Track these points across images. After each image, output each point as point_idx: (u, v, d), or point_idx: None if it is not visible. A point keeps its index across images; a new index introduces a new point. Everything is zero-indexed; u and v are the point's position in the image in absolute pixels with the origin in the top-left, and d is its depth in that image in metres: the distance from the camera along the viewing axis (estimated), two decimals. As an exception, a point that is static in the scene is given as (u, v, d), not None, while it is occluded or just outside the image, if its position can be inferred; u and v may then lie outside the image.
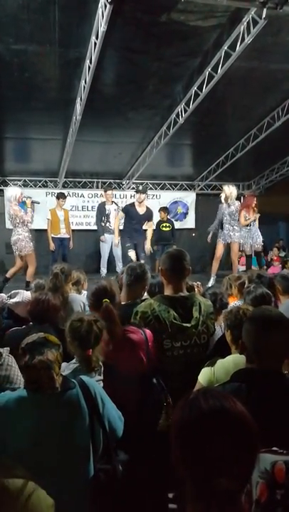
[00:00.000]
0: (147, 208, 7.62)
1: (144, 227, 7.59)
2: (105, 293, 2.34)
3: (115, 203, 8.26)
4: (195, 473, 0.97)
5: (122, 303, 2.66)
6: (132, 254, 7.40)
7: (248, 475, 1.01)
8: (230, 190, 7.38)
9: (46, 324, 2.22)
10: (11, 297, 3.05)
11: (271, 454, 1.12)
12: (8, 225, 9.47)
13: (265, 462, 1.10)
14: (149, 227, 7.67)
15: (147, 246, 7.64)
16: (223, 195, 7.42)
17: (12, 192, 6.99)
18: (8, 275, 6.82)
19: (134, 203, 7.60)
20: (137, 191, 7.65)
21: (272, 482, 1.09)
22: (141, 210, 7.47)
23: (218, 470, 0.94)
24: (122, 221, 7.82)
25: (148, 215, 7.56)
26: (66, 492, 1.46)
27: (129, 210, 7.48)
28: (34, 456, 1.52)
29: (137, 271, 2.66)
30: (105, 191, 8.37)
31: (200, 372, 2.08)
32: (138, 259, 7.32)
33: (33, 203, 6.92)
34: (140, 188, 7.78)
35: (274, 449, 1.14)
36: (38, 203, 7.56)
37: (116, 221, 7.87)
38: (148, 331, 2.28)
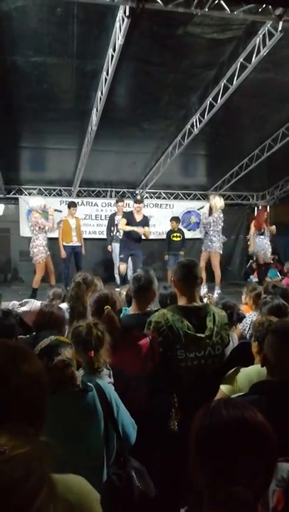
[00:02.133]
0: (144, 215, 7.80)
1: (139, 231, 7.64)
2: (106, 301, 2.42)
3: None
4: (213, 481, 0.98)
5: (131, 312, 2.68)
6: (122, 267, 7.52)
7: (266, 485, 1.01)
8: (214, 201, 7.50)
9: (54, 332, 2.26)
10: (21, 305, 3.09)
11: (287, 462, 1.12)
12: (23, 233, 9.68)
13: (283, 471, 1.10)
14: (146, 232, 7.74)
15: (145, 230, 7.63)
16: (207, 205, 7.56)
17: (37, 202, 7.47)
18: (51, 283, 7.13)
19: (132, 211, 7.77)
20: (135, 201, 7.82)
21: None
22: (138, 217, 7.64)
23: (236, 479, 0.94)
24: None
25: (145, 222, 7.71)
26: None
27: (128, 217, 7.64)
28: None
29: (142, 280, 2.65)
30: (117, 202, 8.51)
31: (222, 380, 2.08)
32: (135, 266, 7.43)
33: (55, 211, 7.34)
34: (138, 197, 7.94)
35: None
36: (60, 212, 7.91)
37: (124, 224, 7.80)
38: (153, 336, 2.29)
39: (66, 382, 1.71)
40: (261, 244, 8.20)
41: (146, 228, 7.67)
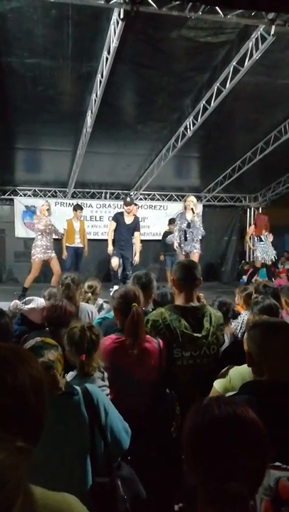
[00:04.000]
0: (135, 216, 7.72)
1: (133, 240, 7.66)
2: (134, 297, 2.35)
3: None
4: (207, 478, 0.99)
5: None
6: (114, 260, 7.40)
7: (260, 480, 1.03)
8: (188, 200, 7.00)
9: (63, 330, 2.26)
10: (25, 303, 3.09)
11: (275, 469, 1.12)
12: (18, 233, 9.71)
13: (270, 478, 1.10)
14: (137, 239, 7.67)
15: (136, 258, 7.67)
16: (191, 205, 6.96)
17: (39, 204, 7.67)
18: (52, 284, 6.82)
19: (123, 212, 7.68)
20: (125, 204, 7.65)
21: (276, 499, 1.08)
22: (128, 220, 7.59)
23: (230, 474, 0.96)
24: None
25: (135, 224, 7.65)
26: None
27: (119, 219, 7.60)
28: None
29: (142, 280, 2.69)
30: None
31: (215, 379, 2.08)
32: (124, 268, 7.46)
33: (47, 210, 7.34)
34: (128, 199, 7.84)
35: (277, 464, 1.14)
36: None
37: (110, 231, 7.77)
38: (161, 341, 2.30)
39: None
40: (261, 250, 8.24)
41: (136, 234, 7.62)
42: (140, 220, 10.39)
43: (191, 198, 7.02)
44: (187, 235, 7.00)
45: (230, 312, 3.24)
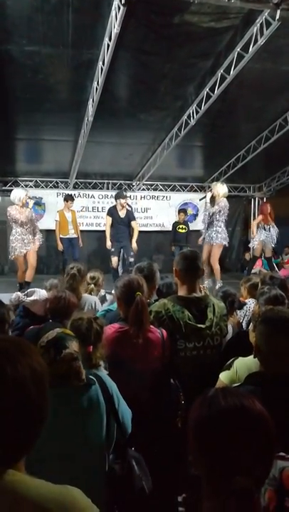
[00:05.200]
0: (127, 210, 7.74)
1: (133, 247, 7.69)
2: (138, 286, 2.33)
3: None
4: (212, 470, 0.98)
5: None
6: (114, 260, 7.54)
7: (266, 473, 1.01)
8: (216, 188, 6.98)
9: (66, 321, 2.24)
10: (27, 295, 3.06)
11: (279, 459, 1.11)
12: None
13: (275, 469, 1.09)
14: (135, 227, 7.71)
15: (134, 245, 7.67)
16: (209, 195, 7.02)
17: (16, 194, 6.67)
18: (27, 278, 6.71)
19: (116, 206, 7.71)
20: (119, 197, 7.63)
21: (280, 489, 1.08)
22: (122, 213, 7.61)
23: (236, 468, 0.94)
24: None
25: (129, 216, 7.67)
26: (81, 484, 1.45)
27: (113, 213, 7.64)
28: (50, 449, 1.50)
29: (145, 271, 2.66)
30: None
31: (220, 370, 2.08)
32: (124, 263, 7.47)
33: (35, 204, 7.02)
34: (121, 193, 7.86)
35: (281, 454, 1.13)
36: (40, 205, 7.70)
37: (107, 226, 7.85)
38: (164, 331, 2.29)
39: (72, 376, 1.70)
40: (264, 239, 8.17)
41: (133, 224, 7.64)
42: (143, 210, 10.41)
43: (213, 186, 7.04)
44: (214, 224, 6.97)
45: (235, 302, 3.20)
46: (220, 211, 6.90)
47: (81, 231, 8.71)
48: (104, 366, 2.18)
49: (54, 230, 8.51)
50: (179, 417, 2.10)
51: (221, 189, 6.95)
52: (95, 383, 1.79)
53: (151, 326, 2.29)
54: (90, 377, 1.81)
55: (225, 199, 6.99)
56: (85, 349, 2.03)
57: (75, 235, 8.37)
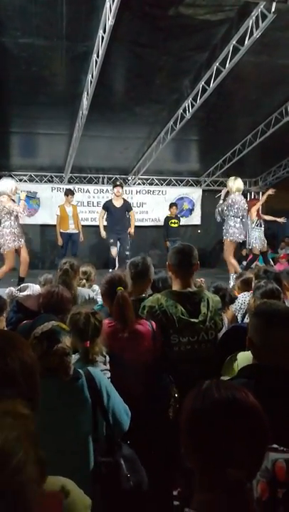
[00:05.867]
0: (124, 200, 7.77)
1: (131, 232, 7.81)
2: (119, 281, 2.40)
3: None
4: (205, 463, 0.98)
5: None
6: (113, 251, 7.61)
7: (258, 465, 1.02)
8: (230, 183, 6.84)
9: (60, 316, 2.23)
10: (20, 290, 3.04)
11: (271, 451, 1.12)
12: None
13: (267, 461, 1.10)
14: (132, 217, 7.83)
15: (131, 230, 7.75)
16: (224, 190, 6.92)
17: (6, 184, 6.25)
18: (21, 274, 6.33)
19: (111, 198, 7.74)
20: (115, 185, 7.74)
21: (273, 480, 1.08)
22: (118, 203, 7.64)
23: (228, 460, 0.95)
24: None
25: (126, 207, 7.71)
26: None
27: (108, 206, 7.66)
28: None
29: (140, 266, 2.66)
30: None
31: (223, 370, 2.07)
32: (123, 253, 7.55)
33: (27, 196, 6.76)
34: (117, 182, 7.90)
35: (274, 446, 1.14)
36: (33, 197, 7.67)
37: (100, 217, 8.00)
38: (154, 323, 2.30)
39: (60, 370, 1.70)
40: (257, 236, 8.17)
41: (131, 213, 7.74)
42: (138, 205, 10.39)
43: (228, 182, 6.95)
44: (228, 219, 6.90)
45: (226, 296, 3.20)
46: (228, 207, 6.84)
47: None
48: (104, 361, 2.18)
49: (49, 225, 8.51)
50: (172, 410, 2.10)
51: (233, 183, 6.82)
52: (81, 377, 1.76)
53: (142, 319, 2.30)
54: (79, 370, 1.79)
55: (233, 194, 6.81)
56: (82, 344, 2.04)
57: (75, 230, 8.35)
